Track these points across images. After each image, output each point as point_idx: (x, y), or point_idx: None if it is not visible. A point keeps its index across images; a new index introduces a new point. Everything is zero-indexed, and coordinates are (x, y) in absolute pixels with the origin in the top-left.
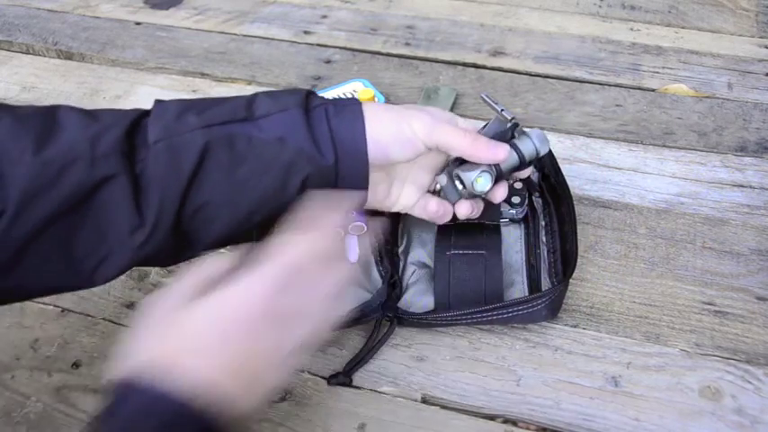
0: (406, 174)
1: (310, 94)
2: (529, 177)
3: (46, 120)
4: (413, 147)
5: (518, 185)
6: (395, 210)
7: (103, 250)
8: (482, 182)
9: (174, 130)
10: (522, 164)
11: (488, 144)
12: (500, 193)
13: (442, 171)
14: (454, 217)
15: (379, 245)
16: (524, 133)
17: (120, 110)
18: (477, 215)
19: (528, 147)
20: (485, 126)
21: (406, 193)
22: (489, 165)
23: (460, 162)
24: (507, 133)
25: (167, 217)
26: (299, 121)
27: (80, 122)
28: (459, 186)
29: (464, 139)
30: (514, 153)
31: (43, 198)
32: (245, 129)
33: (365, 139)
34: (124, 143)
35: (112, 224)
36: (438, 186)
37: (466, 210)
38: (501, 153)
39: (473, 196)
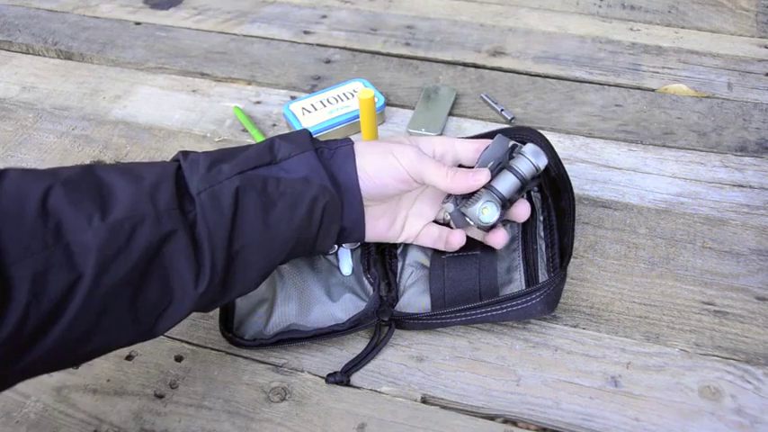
0: (409, 207)
1: (310, 135)
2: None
3: (92, 181)
4: (403, 179)
5: None
6: (399, 241)
7: (165, 303)
8: (488, 213)
9: (212, 180)
10: (525, 183)
11: (466, 176)
12: (523, 212)
13: (447, 199)
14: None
15: (369, 254)
16: (520, 152)
17: (149, 163)
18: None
19: (525, 165)
20: (486, 148)
21: (410, 225)
22: (491, 194)
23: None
24: (506, 155)
25: (219, 264)
26: (316, 162)
27: (127, 180)
28: (471, 223)
29: (444, 177)
30: (512, 176)
31: (120, 259)
32: (272, 171)
33: (356, 176)
34: (177, 197)
35: (177, 277)
36: (445, 215)
37: (506, 237)
38: (481, 178)
39: (486, 228)
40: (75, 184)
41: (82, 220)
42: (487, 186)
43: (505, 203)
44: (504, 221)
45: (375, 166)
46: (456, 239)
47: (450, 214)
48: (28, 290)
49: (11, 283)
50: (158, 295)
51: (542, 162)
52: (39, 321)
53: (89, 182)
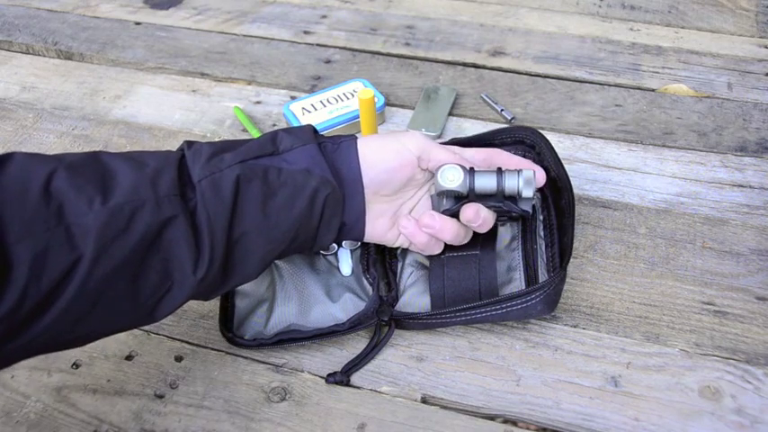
0: (410, 210)
1: (314, 130)
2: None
3: (96, 166)
4: (407, 161)
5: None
6: (395, 245)
7: (165, 287)
8: (449, 177)
9: (214, 168)
10: (499, 189)
11: (468, 162)
12: (468, 213)
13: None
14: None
15: (369, 254)
16: (519, 170)
17: (154, 151)
18: (465, 240)
19: (511, 182)
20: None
21: None
22: (465, 170)
23: None
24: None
25: (219, 250)
26: (318, 154)
27: (130, 167)
28: (436, 182)
29: (452, 154)
30: (494, 177)
31: (119, 242)
32: (274, 162)
33: (359, 169)
34: (179, 184)
35: (176, 262)
36: (431, 194)
37: (450, 232)
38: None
39: (451, 199)
40: (79, 169)
41: (83, 203)
42: (470, 170)
43: (471, 189)
44: (502, 220)
45: (379, 153)
46: (448, 232)
47: (432, 197)
48: (27, 269)
49: (11, 263)
50: (158, 280)
51: (527, 190)
52: (37, 301)
53: (93, 167)
